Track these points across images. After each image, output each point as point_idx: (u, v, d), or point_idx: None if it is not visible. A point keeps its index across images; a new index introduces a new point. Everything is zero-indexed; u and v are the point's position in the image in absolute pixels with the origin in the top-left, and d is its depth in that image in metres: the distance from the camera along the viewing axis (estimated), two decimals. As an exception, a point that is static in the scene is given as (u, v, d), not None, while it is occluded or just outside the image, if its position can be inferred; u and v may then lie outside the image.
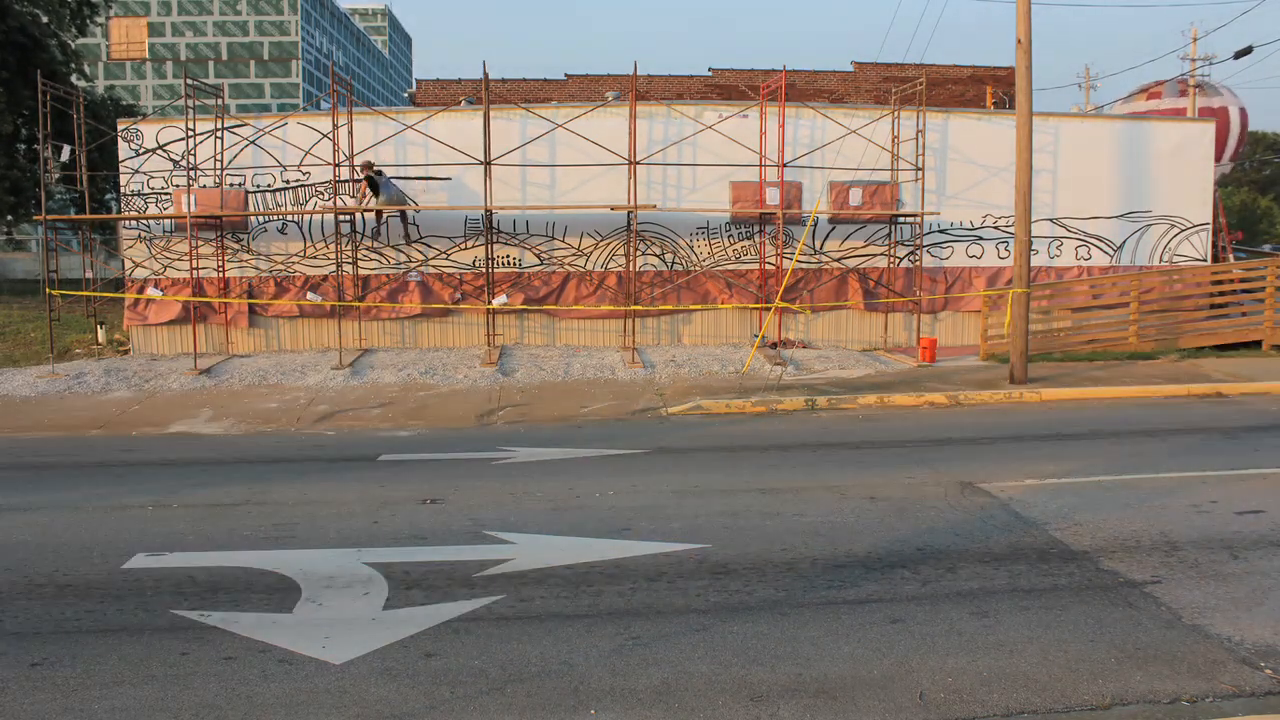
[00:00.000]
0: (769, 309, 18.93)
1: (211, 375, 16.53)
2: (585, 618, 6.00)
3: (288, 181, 18.97)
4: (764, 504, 8.58)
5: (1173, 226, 20.73)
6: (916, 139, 19.22)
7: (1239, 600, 6.15)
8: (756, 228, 19.56)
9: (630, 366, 17.05)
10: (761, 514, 8.24)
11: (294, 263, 18.99)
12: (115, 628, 5.93)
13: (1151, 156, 20.55)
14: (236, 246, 18.94)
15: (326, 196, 18.68)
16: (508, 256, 19.20)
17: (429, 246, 19.07)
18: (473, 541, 7.58)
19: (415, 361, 17.48)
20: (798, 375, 16.50)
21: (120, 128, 19.22)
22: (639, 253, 19.03)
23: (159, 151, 18.94)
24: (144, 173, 18.92)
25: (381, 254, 19.03)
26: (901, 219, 19.64)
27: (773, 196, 18.82)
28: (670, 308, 19.45)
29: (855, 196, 19.43)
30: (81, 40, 41.56)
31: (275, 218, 18.92)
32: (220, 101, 19.41)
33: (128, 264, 19.21)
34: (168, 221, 18.88)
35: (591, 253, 19.30)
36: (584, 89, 29.49)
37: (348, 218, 18.39)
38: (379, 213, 18.29)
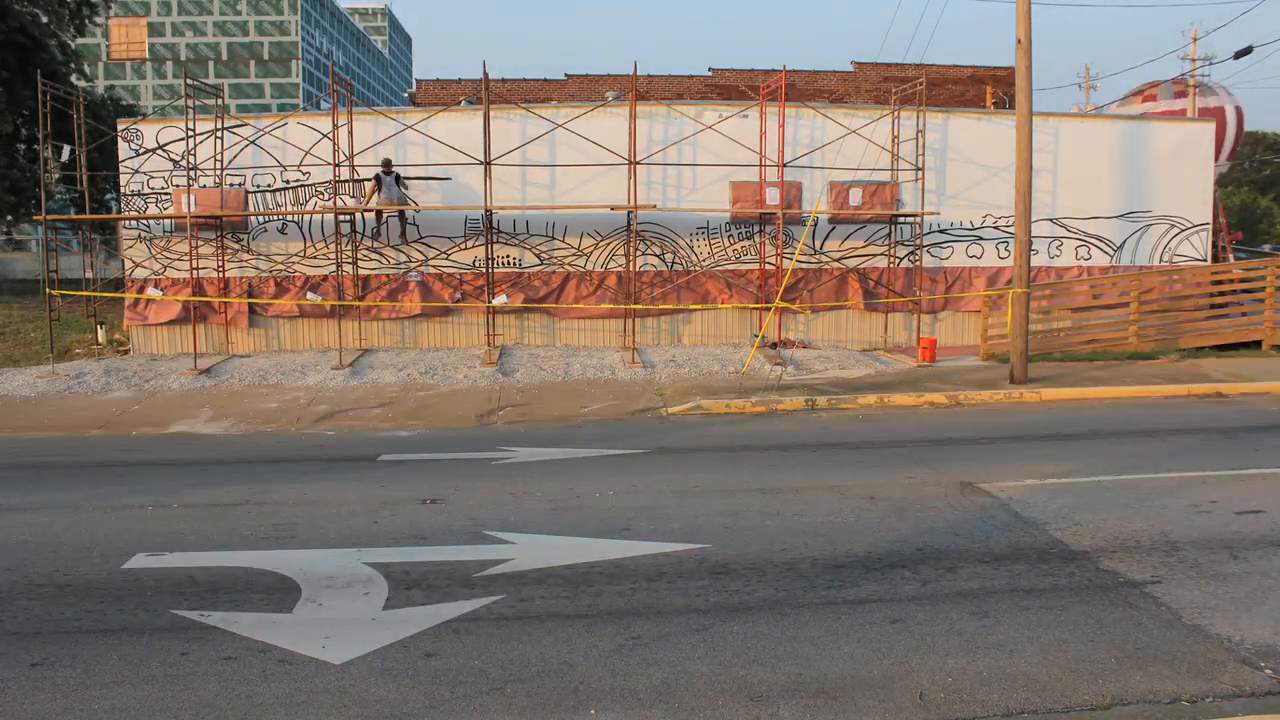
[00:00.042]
0: (769, 309, 18.93)
1: (211, 375, 16.54)
2: (585, 618, 6.00)
3: (288, 181, 18.97)
4: (764, 504, 8.58)
5: (1173, 226, 20.73)
6: (916, 139, 19.22)
7: (1239, 600, 6.16)
8: (756, 228, 19.55)
9: (630, 366, 17.05)
10: (761, 514, 8.24)
11: (294, 263, 18.99)
12: (115, 628, 5.93)
13: (1151, 156, 20.55)
14: (236, 246, 18.95)
15: (326, 196, 18.69)
16: (508, 256, 19.20)
17: (429, 246, 19.07)
18: (473, 541, 7.58)
19: (415, 361, 17.48)
20: (798, 375, 16.50)
21: (120, 128, 19.23)
22: (639, 253, 19.03)
23: (159, 151, 18.95)
24: (144, 173, 18.93)
25: (381, 254, 19.03)
26: (901, 219, 19.63)
27: (773, 196, 18.82)
28: (670, 308, 19.45)
29: (855, 196, 19.43)
30: (81, 40, 41.58)
31: (275, 218, 18.92)
32: (220, 101, 19.41)
33: (128, 264, 19.21)
34: (168, 221, 18.88)
35: (591, 253, 19.30)
36: (584, 89, 29.49)
37: (347, 218, 18.40)
38: (379, 213, 18.30)
